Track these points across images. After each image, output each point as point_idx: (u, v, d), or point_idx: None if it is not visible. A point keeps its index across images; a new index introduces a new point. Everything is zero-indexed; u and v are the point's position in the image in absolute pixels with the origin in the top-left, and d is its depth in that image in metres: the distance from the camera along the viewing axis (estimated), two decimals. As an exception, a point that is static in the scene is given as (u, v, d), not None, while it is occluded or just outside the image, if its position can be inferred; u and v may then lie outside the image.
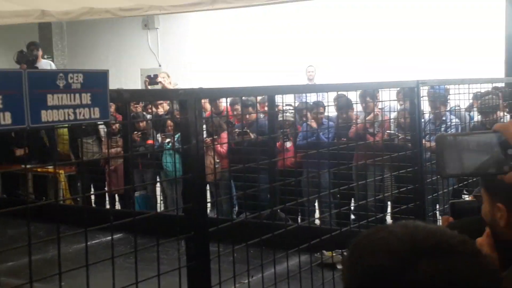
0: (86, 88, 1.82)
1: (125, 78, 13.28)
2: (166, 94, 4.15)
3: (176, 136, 7.66)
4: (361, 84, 4.53)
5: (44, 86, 1.71)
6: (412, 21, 12.06)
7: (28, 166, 7.85)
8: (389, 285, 1.06)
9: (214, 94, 2.71)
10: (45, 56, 10.16)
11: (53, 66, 9.76)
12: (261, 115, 6.35)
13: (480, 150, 1.31)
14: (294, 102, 6.01)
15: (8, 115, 1.62)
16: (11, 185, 8.33)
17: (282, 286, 2.58)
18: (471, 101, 6.12)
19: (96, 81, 1.88)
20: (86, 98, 1.82)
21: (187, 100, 2.12)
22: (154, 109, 7.99)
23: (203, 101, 2.38)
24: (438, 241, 1.10)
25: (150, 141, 7.73)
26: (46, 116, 1.72)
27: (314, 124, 6.78)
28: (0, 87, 1.60)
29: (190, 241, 2.08)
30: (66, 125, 1.79)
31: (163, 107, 7.94)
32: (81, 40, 13.40)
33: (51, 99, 1.73)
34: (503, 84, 5.63)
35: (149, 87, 8.85)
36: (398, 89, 5.14)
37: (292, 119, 6.51)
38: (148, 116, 8.08)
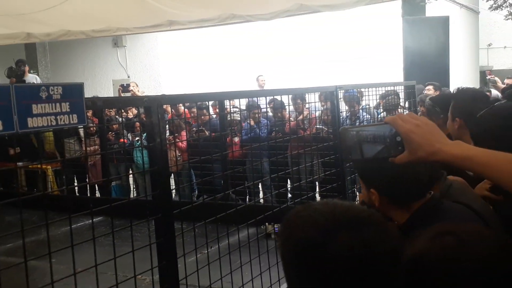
0: (65, 98, 1.78)
1: (100, 87, 13.10)
2: (134, 101, 4.08)
3: (144, 135, 7.63)
4: (291, 89, 4.56)
5: (29, 97, 1.67)
6: (333, 40, 12.23)
7: (20, 163, 7.66)
8: (315, 254, 1.07)
9: (173, 100, 2.68)
10: (31, 71, 9.87)
11: (38, 80, 9.50)
12: (213, 116, 6.33)
13: (375, 140, 1.32)
14: (239, 105, 6.00)
15: None
16: (6, 179, 8.08)
17: (235, 254, 2.57)
18: (378, 101, 6.26)
19: (73, 92, 1.83)
20: (65, 106, 1.78)
21: (151, 106, 2.09)
22: (125, 113, 7.88)
23: (165, 105, 2.34)
24: (353, 215, 1.12)
25: (122, 140, 7.63)
26: (32, 122, 1.68)
27: (252, 123, 6.86)
28: (-8, 100, 1.55)
29: (158, 221, 2.05)
30: (50, 130, 1.74)
31: (132, 112, 7.85)
32: (61, 57, 13.08)
33: (36, 108, 1.68)
34: (402, 87, 5.74)
35: (122, 94, 8.70)
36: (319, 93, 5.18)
37: (239, 118, 6.50)
38: (120, 119, 7.95)
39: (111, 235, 1.96)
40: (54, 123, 1.73)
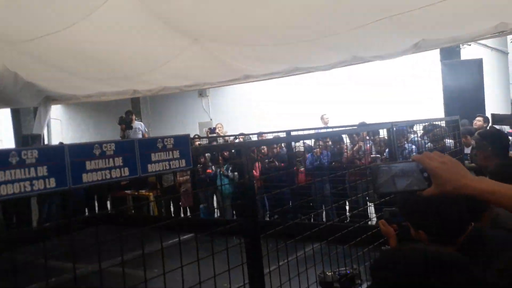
0: (176, 147, 1.84)
1: (188, 129, 13.49)
2: (228, 146, 4.16)
3: (225, 166, 7.78)
4: (355, 129, 4.47)
5: (148, 148, 1.73)
6: (382, 87, 12.06)
7: (129, 191, 7.96)
8: None
9: (257, 144, 2.71)
10: (136, 119, 10.33)
11: (143, 125, 9.94)
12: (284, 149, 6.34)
13: (404, 175, 1.26)
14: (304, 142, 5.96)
15: (126, 169, 1.64)
16: (116, 204, 8.41)
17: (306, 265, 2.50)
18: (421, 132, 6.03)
19: (181, 142, 1.89)
20: (176, 153, 1.84)
21: (241, 149, 2.11)
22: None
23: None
24: (444, 260, 1.04)
25: (209, 170, 7.77)
26: (151, 167, 1.74)
27: (318, 153, 6.78)
28: (121, 152, 1.62)
29: (248, 244, 2.05)
30: (168, 173, 1.80)
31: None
32: (159, 107, 13.67)
33: (154, 156, 1.75)
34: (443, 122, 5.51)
35: (209, 134, 8.91)
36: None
37: (302, 150, 6.47)
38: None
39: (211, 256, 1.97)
40: (168, 167, 1.79)
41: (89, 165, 1.52)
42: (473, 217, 1.70)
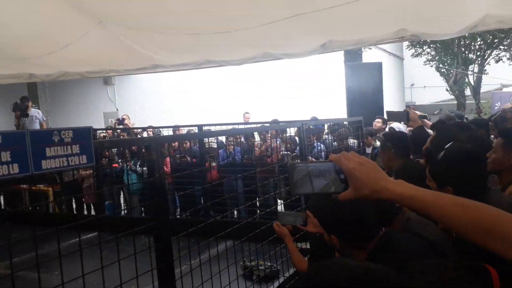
0: (75, 141, 1.64)
1: (92, 119, 12.72)
2: (136, 141, 3.90)
3: (132, 161, 7.41)
4: (267, 126, 4.42)
5: (43, 141, 1.52)
6: (291, 82, 12.32)
7: (24, 185, 7.29)
8: None
9: (168, 140, 2.53)
10: (33, 106, 9.49)
11: (40, 113, 9.15)
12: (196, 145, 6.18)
13: (321, 175, 1.17)
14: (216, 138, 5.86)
15: (16, 166, 1.42)
16: (12, 200, 7.66)
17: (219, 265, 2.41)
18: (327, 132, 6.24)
19: (82, 135, 1.68)
20: (76, 148, 1.63)
21: (151, 145, 1.95)
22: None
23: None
24: (370, 279, 1.06)
25: (115, 165, 7.35)
26: (46, 164, 1.53)
27: (230, 149, 6.72)
28: (9, 145, 1.40)
29: (158, 249, 1.90)
30: (63, 170, 1.60)
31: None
32: (59, 93, 12.68)
33: (49, 151, 1.54)
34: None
35: (117, 125, 8.44)
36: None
37: (215, 146, 6.37)
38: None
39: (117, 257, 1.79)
40: (65, 164, 1.58)
41: (-35, 160, 1.28)
42: (384, 222, 1.71)
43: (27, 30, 5.11)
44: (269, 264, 2.74)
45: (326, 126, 5.15)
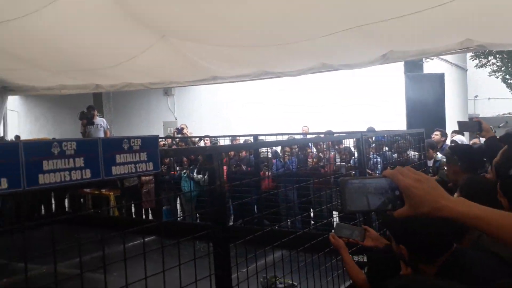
0: (143, 148, 1.71)
1: (153, 128, 13.20)
2: (198, 150, 4.01)
3: (190, 168, 7.60)
4: (328, 137, 4.38)
5: (113, 149, 1.59)
6: (351, 99, 12.18)
7: (88, 190, 7.66)
8: None
9: (229, 149, 2.58)
10: (98, 115, 9.99)
11: (105, 122, 9.61)
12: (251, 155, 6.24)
13: (376, 191, 1.13)
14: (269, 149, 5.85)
15: (88, 171, 1.50)
16: (75, 203, 8.05)
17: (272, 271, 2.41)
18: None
19: (149, 143, 1.75)
20: (144, 156, 1.70)
21: (212, 153, 2.00)
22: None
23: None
24: None
25: (173, 172, 7.57)
26: (116, 170, 1.60)
27: (286, 159, 6.72)
28: (82, 152, 1.48)
29: (217, 255, 1.93)
30: (133, 177, 1.66)
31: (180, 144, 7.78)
32: (123, 103, 13.29)
33: (119, 158, 1.61)
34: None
35: (176, 134, 8.71)
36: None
37: (270, 156, 6.39)
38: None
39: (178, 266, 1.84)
40: (133, 170, 1.65)
41: (46, 165, 1.37)
42: (455, 238, 1.65)
43: (95, 43, 5.43)
44: (290, 282, 2.69)
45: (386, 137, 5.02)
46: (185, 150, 2.82)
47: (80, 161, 1.46)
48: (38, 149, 1.37)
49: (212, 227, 1.98)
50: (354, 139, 3.42)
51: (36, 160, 1.35)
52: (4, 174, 1.26)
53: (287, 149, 6.72)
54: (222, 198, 2.00)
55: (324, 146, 6.33)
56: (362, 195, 1.14)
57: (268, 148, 6.37)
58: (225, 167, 6.76)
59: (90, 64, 6.46)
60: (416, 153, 4.84)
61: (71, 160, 1.43)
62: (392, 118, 10.13)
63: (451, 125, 11.09)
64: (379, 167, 5.48)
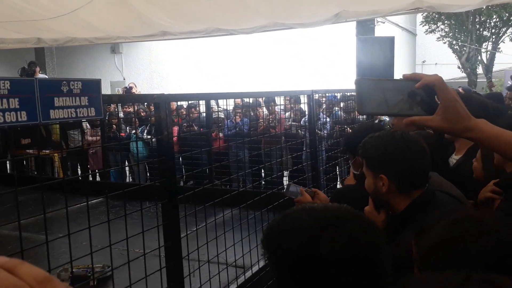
0: (84, 93, 1.62)
1: (99, 88, 12.71)
2: (145, 97, 3.88)
3: (140, 128, 7.43)
4: (273, 92, 4.35)
5: (52, 91, 1.51)
6: (301, 52, 12.17)
7: (30, 151, 7.33)
8: (307, 259, 0.95)
9: (178, 98, 2.51)
10: (41, 72, 9.47)
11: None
12: (202, 114, 6.13)
13: (397, 94, 1.00)
14: (225, 105, 5.80)
15: (24, 113, 1.42)
16: (20, 165, 7.70)
17: (229, 233, 2.43)
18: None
19: (91, 87, 1.67)
20: (84, 100, 1.62)
21: (160, 102, 1.94)
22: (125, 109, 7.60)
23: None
24: (332, 214, 1.01)
25: (122, 134, 7.37)
26: (54, 114, 1.52)
27: (237, 119, 6.68)
28: (17, 92, 1.39)
29: (165, 205, 1.91)
30: (71, 121, 1.60)
31: (132, 108, 7.57)
32: (67, 60, 12.66)
33: (58, 101, 1.53)
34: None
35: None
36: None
37: (223, 116, 6.34)
38: (120, 115, 7.70)
39: (123, 217, 1.81)
40: (74, 115, 1.58)
41: (-25, 105, 1.27)
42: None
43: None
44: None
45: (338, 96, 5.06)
46: (130, 97, 2.73)
47: (14, 102, 1.37)
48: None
49: (159, 180, 1.95)
50: (305, 95, 3.43)
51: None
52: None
53: (239, 110, 6.69)
54: (170, 149, 1.96)
55: (275, 106, 6.35)
56: (380, 95, 1.01)
57: (220, 107, 6.32)
58: (175, 128, 6.66)
59: (30, 15, 6.04)
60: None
61: (4, 100, 1.34)
62: (343, 80, 10.27)
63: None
64: (327, 126, 5.58)
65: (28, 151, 7.42)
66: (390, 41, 10.17)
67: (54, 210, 1.73)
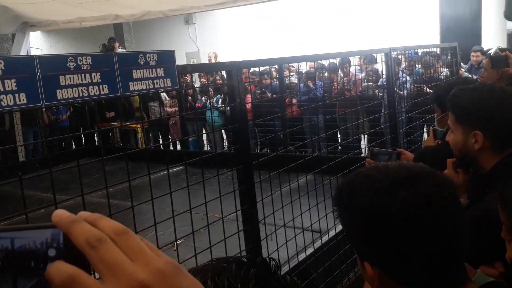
0: (160, 64, 1.69)
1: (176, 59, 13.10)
2: (216, 66, 3.97)
3: (215, 98, 7.61)
4: (350, 52, 4.20)
5: (130, 63, 1.59)
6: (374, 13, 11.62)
7: (115, 123, 7.82)
8: (381, 215, 0.93)
9: (250, 65, 2.54)
10: (120, 47, 9.96)
11: (126, 54, 9.58)
12: (274, 80, 6.14)
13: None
14: (298, 69, 5.72)
15: (105, 87, 1.51)
16: (105, 137, 8.27)
17: (304, 198, 2.46)
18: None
19: (166, 58, 1.74)
20: (160, 72, 1.70)
21: (231, 70, 1.97)
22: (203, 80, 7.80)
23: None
24: (406, 173, 0.97)
25: (198, 104, 7.61)
26: (133, 86, 1.61)
27: (310, 84, 6.58)
28: (98, 67, 1.48)
29: (241, 171, 1.97)
30: (150, 92, 1.66)
31: (207, 79, 7.76)
32: (144, 34, 13.18)
33: (136, 74, 1.61)
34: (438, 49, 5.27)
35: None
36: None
37: (296, 81, 6.28)
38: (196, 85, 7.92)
39: (200, 182, 1.90)
40: (151, 86, 1.66)
41: (63, 80, 1.38)
42: None
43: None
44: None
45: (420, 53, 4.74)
46: (203, 66, 2.80)
47: (96, 76, 1.46)
48: (54, 64, 1.38)
49: (233, 147, 2.00)
50: (382, 54, 3.29)
51: (53, 75, 1.36)
52: (22, 89, 1.28)
53: (314, 73, 6.58)
54: (244, 116, 2.00)
55: (350, 68, 6.15)
56: None
57: (294, 73, 6.27)
58: (249, 96, 6.73)
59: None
60: (446, 69, 4.64)
61: (87, 75, 1.44)
62: (424, 36, 9.67)
63: (487, 41, 10.57)
64: (408, 86, 5.32)
65: (113, 123, 7.92)
66: (477, -10, 9.41)
67: (136, 177, 1.85)
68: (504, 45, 16.18)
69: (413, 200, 0.92)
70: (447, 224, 0.95)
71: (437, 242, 0.93)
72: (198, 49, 13.48)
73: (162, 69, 1.69)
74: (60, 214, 0.46)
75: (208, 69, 3.34)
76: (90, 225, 0.45)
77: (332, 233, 2.57)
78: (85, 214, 0.47)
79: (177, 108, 7.52)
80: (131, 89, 1.59)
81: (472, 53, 7.49)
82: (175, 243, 2.33)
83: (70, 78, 1.39)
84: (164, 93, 7.65)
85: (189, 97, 7.67)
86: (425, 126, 4.72)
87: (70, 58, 1.40)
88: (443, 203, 0.95)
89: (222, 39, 13.28)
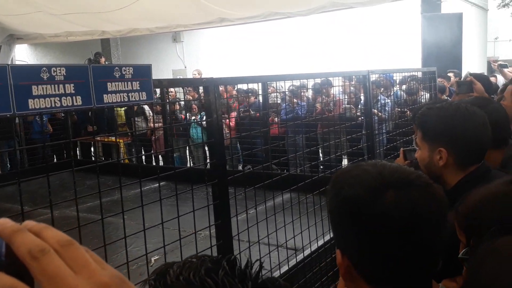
0: (135, 77, 1.71)
1: (161, 76, 13.13)
2: (194, 81, 3.99)
3: (199, 115, 7.63)
4: (328, 73, 4.26)
5: (104, 76, 1.60)
6: (360, 32, 11.86)
7: (97, 137, 7.76)
8: (362, 211, 0.93)
9: (227, 82, 2.56)
10: (106, 62, 9.96)
11: (112, 69, 9.56)
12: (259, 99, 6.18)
13: None
14: (276, 88, 5.80)
15: (79, 98, 1.52)
16: (87, 151, 8.22)
17: (279, 215, 2.47)
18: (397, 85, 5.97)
19: (142, 72, 1.75)
20: (136, 85, 1.71)
21: (209, 86, 1.99)
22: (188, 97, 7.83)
23: (220, 88, 2.23)
24: (400, 176, 0.97)
25: (183, 116, 7.62)
26: (107, 98, 1.61)
27: (294, 102, 6.63)
28: (73, 78, 1.49)
29: (215, 186, 1.97)
30: (122, 105, 1.67)
31: (192, 96, 7.79)
32: (131, 50, 13.18)
33: (110, 86, 1.62)
34: (420, 73, 5.41)
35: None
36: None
37: (279, 101, 6.33)
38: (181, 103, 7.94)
39: (175, 197, 1.89)
40: (126, 99, 1.66)
41: (35, 90, 1.38)
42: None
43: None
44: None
45: (398, 76, 4.84)
46: (180, 81, 2.82)
47: (70, 87, 1.47)
48: (27, 74, 1.38)
49: (210, 163, 2.01)
50: (360, 76, 3.35)
51: (25, 85, 1.36)
52: (-6, 98, 1.28)
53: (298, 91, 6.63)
54: (219, 131, 2.01)
55: (331, 90, 6.21)
56: None
57: (277, 91, 6.32)
58: (233, 113, 6.78)
59: (94, 7, 6.37)
60: (427, 93, 4.74)
61: (61, 86, 1.44)
62: (407, 60, 9.88)
63: (467, 68, 10.83)
64: (387, 108, 5.41)
65: (96, 138, 7.86)
66: (458, 17, 9.64)
67: (108, 189, 1.84)
68: (484, 69, 16.61)
69: (398, 204, 0.92)
70: (425, 238, 0.94)
71: (410, 251, 0.93)
72: (185, 67, 13.56)
73: (138, 82, 1.70)
74: (4, 223, 0.45)
75: (185, 84, 3.35)
76: (34, 235, 0.44)
77: (307, 251, 2.57)
78: (30, 223, 0.46)
79: (160, 124, 7.52)
80: (105, 101, 1.60)
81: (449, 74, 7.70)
82: (152, 258, 2.31)
83: (43, 88, 1.39)
84: (148, 109, 7.65)
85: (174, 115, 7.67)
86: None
87: (44, 68, 1.41)
88: (428, 216, 0.94)
89: (209, 58, 13.40)
